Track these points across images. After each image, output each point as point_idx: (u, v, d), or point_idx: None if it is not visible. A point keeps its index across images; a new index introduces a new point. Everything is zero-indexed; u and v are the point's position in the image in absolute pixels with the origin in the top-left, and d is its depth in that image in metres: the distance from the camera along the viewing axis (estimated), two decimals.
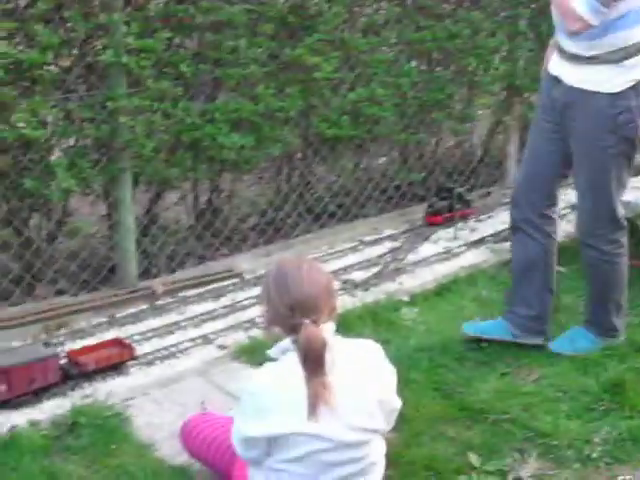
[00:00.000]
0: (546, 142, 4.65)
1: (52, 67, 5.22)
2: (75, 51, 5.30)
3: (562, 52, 4.47)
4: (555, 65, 4.55)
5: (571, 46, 4.40)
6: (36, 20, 4.94)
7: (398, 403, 3.61)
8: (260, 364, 3.44)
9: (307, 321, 3.35)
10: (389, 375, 3.55)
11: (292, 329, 3.37)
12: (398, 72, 6.29)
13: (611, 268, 4.69)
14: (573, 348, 4.68)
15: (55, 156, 5.30)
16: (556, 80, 4.51)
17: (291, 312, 3.37)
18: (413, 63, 6.60)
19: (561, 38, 4.46)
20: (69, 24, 5.10)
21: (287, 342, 3.41)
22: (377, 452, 3.55)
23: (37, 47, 4.89)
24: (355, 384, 3.41)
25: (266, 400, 3.41)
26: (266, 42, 5.70)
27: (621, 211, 4.62)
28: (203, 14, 5.38)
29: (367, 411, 3.44)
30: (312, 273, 3.46)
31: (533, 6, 6.94)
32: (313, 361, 3.34)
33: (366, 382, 3.46)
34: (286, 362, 3.39)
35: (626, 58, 4.32)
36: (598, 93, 4.36)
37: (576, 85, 4.42)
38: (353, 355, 3.48)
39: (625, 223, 4.66)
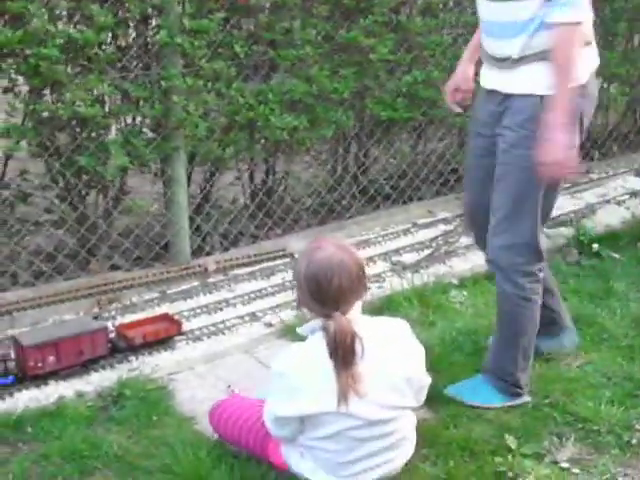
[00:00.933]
0: (480, 169, 4.25)
1: (108, 46, 5.29)
2: (131, 31, 5.35)
3: (491, 59, 4.10)
4: (486, 77, 4.18)
5: (504, 48, 3.97)
6: (92, 0, 5.01)
7: (427, 380, 3.66)
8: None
9: (337, 313, 3.40)
10: (417, 353, 3.59)
11: (322, 315, 3.43)
12: (455, 55, 6.11)
13: (524, 306, 4.18)
14: (473, 398, 4.25)
15: (112, 134, 5.37)
16: (491, 92, 4.14)
17: (321, 304, 3.43)
18: None
19: (489, 43, 4.08)
20: (125, 4, 5.13)
21: (317, 323, 3.47)
22: (407, 427, 3.64)
23: (93, 27, 4.93)
24: (384, 364, 3.46)
25: (295, 380, 3.47)
26: (321, 23, 5.70)
27: (543, 240, 4.19)
28: None
29: (396, 389, 3.49)
30: (343, 264, 3.49)
31: None
32: (342, 354, 3.39)
33: (394, 361, 3.51)
34: (314, 342, 3.46)
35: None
36: (532, 95, 3.95)
37: (509, 91, 4.03)
38: (381, 335, 3.53)
39: (544, 255, 4.21)
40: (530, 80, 3.91)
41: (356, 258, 3.56)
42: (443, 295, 5.23)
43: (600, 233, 5.90)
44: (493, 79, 4.08)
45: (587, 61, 4.00)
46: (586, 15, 3.87)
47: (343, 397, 3.38)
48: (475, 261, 5.68)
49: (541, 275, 4.18)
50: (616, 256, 5.55)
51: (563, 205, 6.36)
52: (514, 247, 4.06)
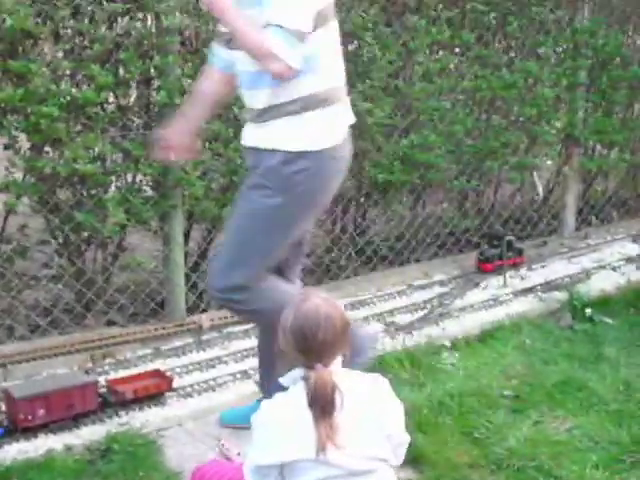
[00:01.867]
0: None
1: (109, 105, 5.37)
2: (131, 91, 5.41)
3: (245, 111, 4.05)
4: (244, 133, 4.07)
5: (250, 99, 3.92)
6: (93, 61, 5.05)
7: (406, 438, 3.67)
8: None
9: (319, 364, 3.45)
10: (396, 410, 3.62)
11: (304, 366, 3.48)
12: (453, 119, 6.29)
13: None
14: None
15: (111, 191, 5.41)
16: (246, 148, 4.07)
17: (304, 355, 3.48)
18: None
19: (242, 94, 3.99)
20: (126, 65, 5.19)
21: (298, 372, 3.51)
22: None
23: (94, 86, 5.01)
24: (362, 418, 3.50)
25: (275, 429, 3.50)
26: None
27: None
28: None
29: (375, 443, 3.52)
30: (329, 318, 3.54)
31: (593, 59, 6.89)
32: (321, 405, 3.43)
33: (373, 416, 3.55)
34: (295, 392, 3.49)
35: (306, 109, 3.83)
36: (275, 151, 3.84)
37: (252, 145, 3.97)
38: (360, 389, 3.57)
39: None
40: (276, 136, 3.82)
41: (341, 313, 3.61)
42: (434, 357, 5.22)
43: (594, 298, 5.92)
44: (246, 134, 4.02)
45: (339, 119, 3.94)
46: (331, 72, 3.86)
47: (321, 446, 3.42)
48: (468, 323, 5.70)
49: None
50: (609, 321, 5.59)
51: (558, 269, 6.46)
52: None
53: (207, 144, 5.43)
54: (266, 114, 3.83)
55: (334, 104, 3.89)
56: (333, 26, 3.86)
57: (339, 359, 3.50)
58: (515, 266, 6.48)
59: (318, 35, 3.71)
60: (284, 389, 3.55)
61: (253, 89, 3.84)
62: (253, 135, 3.96)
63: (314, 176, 3.86)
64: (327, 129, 3.88)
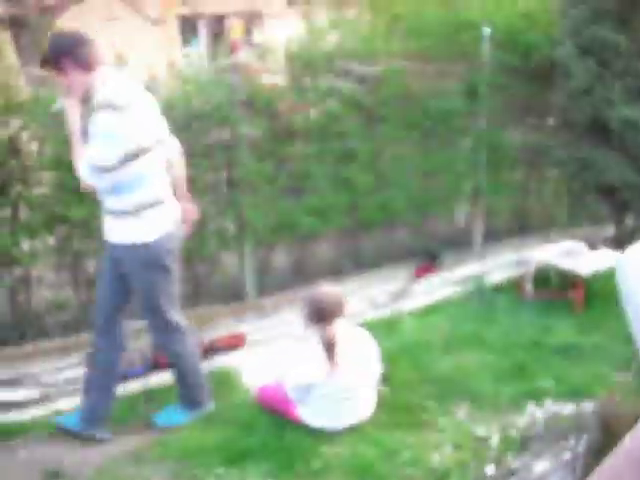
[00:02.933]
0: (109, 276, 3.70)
1: None
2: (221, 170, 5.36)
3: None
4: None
5: (104, 203, 3.52)
6: (196, 155, 5.00)
7: (379, 366, 3.81)
8: None
9: (328, 325, 3.61)
10: (374, 349, 3.77)
11: (319, 327, 3.63)
12: (408, 183, 6.18)
13: (181, 360, 3.83)
14: (170, 421, 3.87)
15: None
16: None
17: (320, 320, 3.63)
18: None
19: None
20: None
21: (314, 332, 3.67)
22: (367, 393, 3.76)
23: (197, 169, 4.97)
24: (354, 354, 3.65)
25: (301, 363, 3.67)
26: (329, 166, 5.65)
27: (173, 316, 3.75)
28: (291, 150, 5.43)
29: (360, 369, 3.67)
30: (332, 296, 3.72)
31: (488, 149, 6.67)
32: (330, 348, 3.59)
33: (360, 352, 3.70)
34: (314, 343, 3.65)
35: (133, 214, 3.43)
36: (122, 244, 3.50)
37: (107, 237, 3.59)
38: (353, 336, 3.72)
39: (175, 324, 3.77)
40: (121, 231, 3.49)
41: (339, 294, 3.78)
42: (399, 322, 5.18)
43: (490, 286, 5.87)
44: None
45: (153, 221, 3.49)
46: (153, 184, 3.48)
47: (329, 372, 3.57)
48: (418, 302, 5.63)
49: (178, 337, 3.82)
50: (498, 298, 5.61)
51: (471, 268, 6.39)
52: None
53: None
54: (110, 212, 3.50)
55: (160, 205, 3.52)
56: (155, 155, 3.48)
57: (340, 320, 3.66)
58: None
59: (133, 165, 3.34)
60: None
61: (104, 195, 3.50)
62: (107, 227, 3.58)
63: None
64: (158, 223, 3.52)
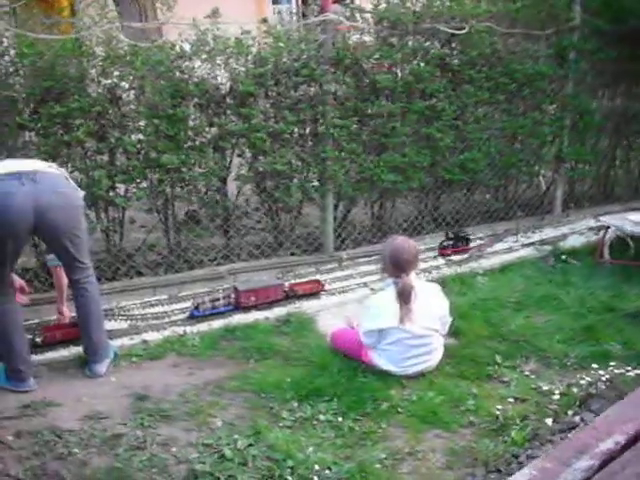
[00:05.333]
0: None
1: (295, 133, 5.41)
2: (306, 126, 5.46)
3: None
4: None
5: None
6: (284, 109, 5.18)
7: (449, 319, 3.87)
8: None
9: (404, 274, 3.69)
10: (444, 302, 3.84)
11: (395, 276, 3.72)
12: (490, 145, 6.17)
13: None
14: None
15: (294, 181, 5.41)
16: None
17: (396, 270, 3.72)
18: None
19: None
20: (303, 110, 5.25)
21: (390, 281, 3.75)
22: (438, 343, 3.82)
23: (285, 122, 5.13)
24: (426, 304, 3.72)
25: (377, 310, 3.76)
26: (412, 124, 5.66)
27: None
28: (376, 108, 5.44)
29: (431, 319, 3.74)
30: (410, 248, 3.80)
31: (573, 112, 6.64)
32: (404, 297, 3.67)
33: (431, 304, 3.78)
34: (387, 291, 3.74)
35: None
36: None
37: None
38: (425, 289, 3.80)
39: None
40: None
41: (415, 245, 3.86)
42: (472, 279, 5.24)
43: (568, 249, 5.87)
44: None
45: None
46: None
47: (402, 320, 3.67)
48: (494, 261, 5.66)
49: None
50: (575, 263, 5.58)
51: (548, 233, 6.36)
52: None
53: (347, 155, 5.42)
54: None
55: None
56: None
57: (413, 273, 3.74)
58: (464, 252, 5.82)
59: None
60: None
61: None
62: None
63: None
64: None
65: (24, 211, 3.42)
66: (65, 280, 4.03)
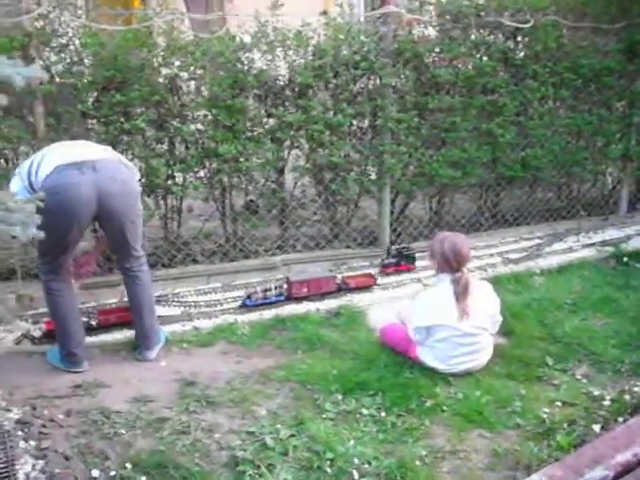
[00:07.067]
0: None
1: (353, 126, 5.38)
2: (365, 118, 5.43)
3: None
4: None
5: None
6: (342, 101, 5.16)
7: (500, 318, 3.83)
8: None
9: (464, 269, 3.67)
10: (496, 301, 3.78)
11: (451, 272, 3.68)
12: (553, 141, 6.05)
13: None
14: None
15: (351, 174, 5.39)
16: None
17: (452, 266, 3.68)
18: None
19: None
20: (362, 104, 5.22)
21: (443, 277, 3.71)
22: (486, 342, 3.78)
23: (344, 115, 5.09)
24: (479, 302, 3.68)
25: (429, 306, 3.73)
26: (472, 120, 5.59)
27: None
28: (436, 102, 5.39)
29: (482, 317, 3.70)
30: (466, 243, 3.76)
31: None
32: (462, 293, 3.64)
33: (484, 302, 3.73)
34: (440, 287, 3.71)
35: None
36: None
37: None
38: (478, 287, 3.75)
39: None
40: None
41: (467, 241, 3.82)
42: (529, 278, 5.15)
43: (630, 251, 5.71)
44: None
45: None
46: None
47: (460, 316, 3.63)
48: (552, 261, 5.54)
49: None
50: (637, 265, 5.45)
51: (611, 234, 6.21)
52: None
53: (405, 149, 5.38)
54: None
55: None
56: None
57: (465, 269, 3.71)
58: (407, 271, 5.28)
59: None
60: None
61: None
62: None
63: None
64: None
65: (86, 200, 3.49)
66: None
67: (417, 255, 5.33)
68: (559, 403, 3.48)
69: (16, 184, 3.52)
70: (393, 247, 5.38)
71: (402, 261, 5.26)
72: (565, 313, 4.55)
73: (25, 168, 3.56)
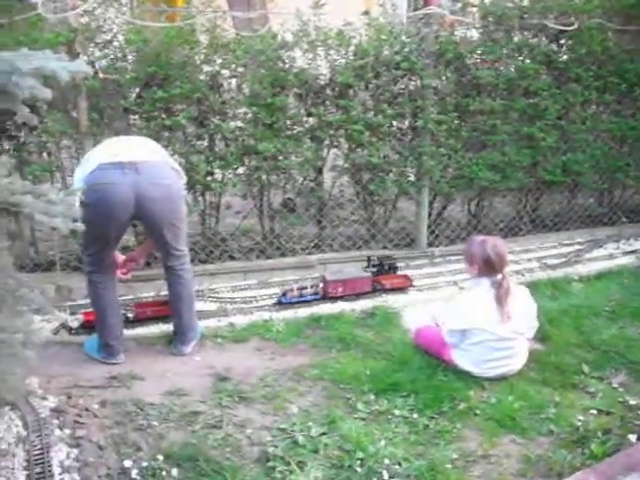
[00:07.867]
0: None
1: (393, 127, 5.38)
2: (405, 119, 5.43)
3: None
4: None
5: None
6: (383, 102, 5.15)
7: (536, 323, 3.77)
8: None
9: (505, 273, 3.63)
10: (533, 306, 3.74)
11: (492, 275, 3.65)
12: (595, 146, 5.99)
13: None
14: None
15: (390, 175, 5.38)
16: None
17: (493, 269, 3.64)
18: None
19: None
20: (402, 104, 5.22)
21: (482, 280, 3.67)
22: (522, 347, 3.73)
23: (385, 116, 5.10)
24: (517, 307, 3.64)
25: (466, 309, 3.69)
26: (513, 123, 5.55)
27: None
28: (477, 104, 5.36)
29: (520, 322, 3.65)
30: (503, 246, 3.72)
31: None
32: (504, 296, 3.61)
33: (522, 306, 3.69)
34: (477, 291, 3.67)
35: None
36: None
37: None
38: (517, 292, 3.71)
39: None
40: None
41: (504, 245, 3.78)
42: (567, 284, 5.08)
43: None
44: None
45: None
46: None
47: (501, 320, 3.59)
48: (591, 267, 5.47)
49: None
50: None
51: None
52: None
53: (444, 151, 5.38)
54: None
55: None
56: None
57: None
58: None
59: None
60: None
61: None
62: None
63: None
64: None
65: (123, 202, 3.50)
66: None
67: (453, 258, 5.29)
68: (594, 411, 3.42)
69: (77, 174, 3.59)
70: (374, 256, 5.18)
71: (383, 270, 5.06)
72: (603, 320, 4.47)
73: (84, 159, 3.65)
